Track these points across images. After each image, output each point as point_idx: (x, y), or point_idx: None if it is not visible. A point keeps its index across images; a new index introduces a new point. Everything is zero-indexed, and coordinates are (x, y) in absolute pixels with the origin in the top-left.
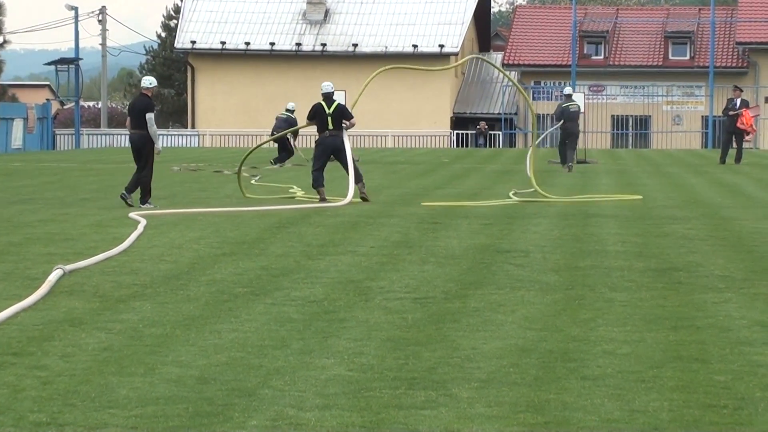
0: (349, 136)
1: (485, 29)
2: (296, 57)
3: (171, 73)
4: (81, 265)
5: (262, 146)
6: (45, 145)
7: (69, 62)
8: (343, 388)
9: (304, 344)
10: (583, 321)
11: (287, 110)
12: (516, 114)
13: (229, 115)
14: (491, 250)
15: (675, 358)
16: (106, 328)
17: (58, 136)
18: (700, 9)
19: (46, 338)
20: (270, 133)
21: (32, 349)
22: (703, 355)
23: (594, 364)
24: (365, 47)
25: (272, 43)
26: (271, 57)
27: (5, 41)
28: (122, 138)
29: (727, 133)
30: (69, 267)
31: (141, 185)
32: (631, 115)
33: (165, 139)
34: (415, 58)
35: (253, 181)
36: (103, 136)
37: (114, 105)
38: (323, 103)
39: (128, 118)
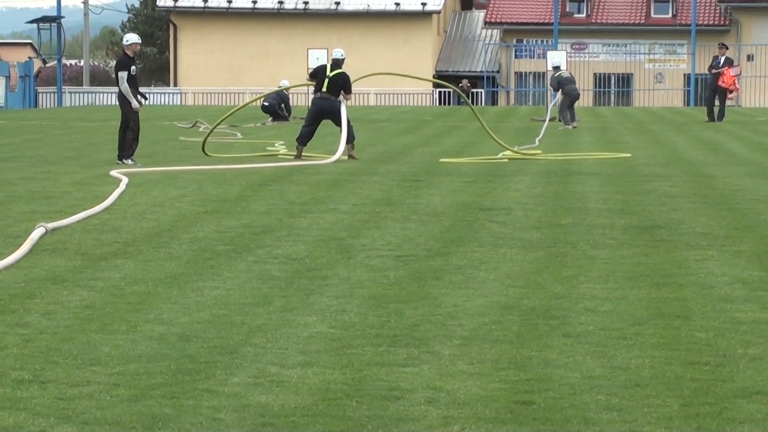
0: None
1: None
2: (278, 15)
3: (153, 31)
4: (63, 223)
5: (249, 104)
6: (27, 103)
7: (51, 20)
8: (325, 345)
9: (287, 302)
10: (565, 278)
11: (280, 86)
12: (498, 72)
13: (212, 73)
14: (473, 207)
15: (657, 315)
16: (88, 286)
17: (41, 94)
18: None
19: (28, 296)
20: (261, 106)
21: (14, 307)
22: (685, 312)
23: (576, 322)
24: (347, 5)
25: (254, 1)
26: (254, 15)
27: None
28: (104, 96)
29: (710, 90)
30: (51, 225)
31: (126, 142)
32: (613, 73)
33: (148, 97)
34: (397, 17)
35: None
36: (86, 94)
37: (96, 63)
38: (329, 66)
39: None
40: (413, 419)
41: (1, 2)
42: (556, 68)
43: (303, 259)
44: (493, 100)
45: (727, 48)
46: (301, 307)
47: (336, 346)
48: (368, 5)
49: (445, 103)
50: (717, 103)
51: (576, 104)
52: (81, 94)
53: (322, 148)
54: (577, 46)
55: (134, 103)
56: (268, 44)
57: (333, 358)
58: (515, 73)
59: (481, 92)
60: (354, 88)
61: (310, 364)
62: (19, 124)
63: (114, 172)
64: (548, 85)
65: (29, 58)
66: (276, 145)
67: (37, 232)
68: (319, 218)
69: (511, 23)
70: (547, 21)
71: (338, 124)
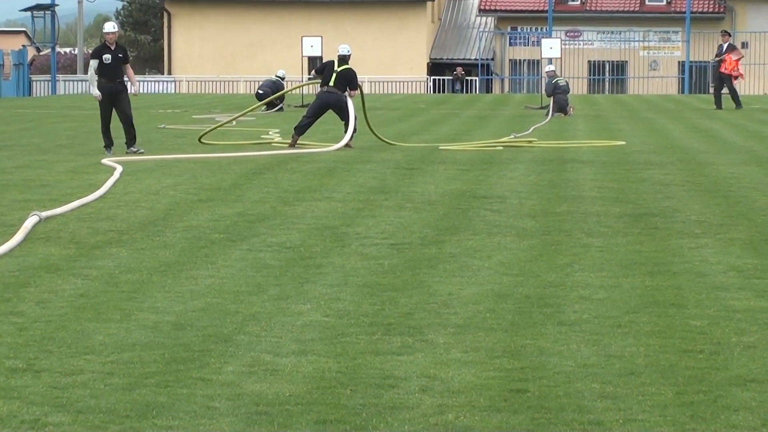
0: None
1: None
2: (273, 3)
3: (147, 19)
4: (57, 211)
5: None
6: (21, 92)
7: (45, 8)
8: (320, 333)
9: (281, 290)
10: (560, 266)
11: (277, 76)
12: (493, 60)
13: (206, 61)
14: (468, 195)
15: (651, 303)
16: (82, 275)
17: (35, 83)
18: None
19: (22, 285)
20: (255, 94)
21: (8, 296)
22: (679, 301)
23: (570, 310)
24: None
25: None
26: (248, 3)
27: None
28: None
29: (715, 78)
30: (45, 213)
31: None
32: (608, 61)
33: (142, 85)
34: (391, 4)
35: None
36: (80, 83)
37: (90, 51)
38: (336, 62)
39: None
40: (407, 407)
41: None
42: (552, 73)
43: (297, 248)
44: (487, 87)
45: (730, 35)
46: (295, 296)
47: (330, 334)
48: None
49: (439, 91)
50: (725, 91)
51: (570, 93)
52: (75, 83)
53: (316, 137)
54: (572, 34)
55: (94, 91)
56: (262, 32)
57: (327, 347)
58: (509, 60)
59: (476, 80)
60: None
61: (305, 353)
62: (13, 112)
63: (107, 161)
64: (542, 90)
65: (23, 46)
66: (270, 133)
67: (31, 221)
68: (313, 206)
69: (506, 11)
70: (541, 8)
71: (344, 118)
